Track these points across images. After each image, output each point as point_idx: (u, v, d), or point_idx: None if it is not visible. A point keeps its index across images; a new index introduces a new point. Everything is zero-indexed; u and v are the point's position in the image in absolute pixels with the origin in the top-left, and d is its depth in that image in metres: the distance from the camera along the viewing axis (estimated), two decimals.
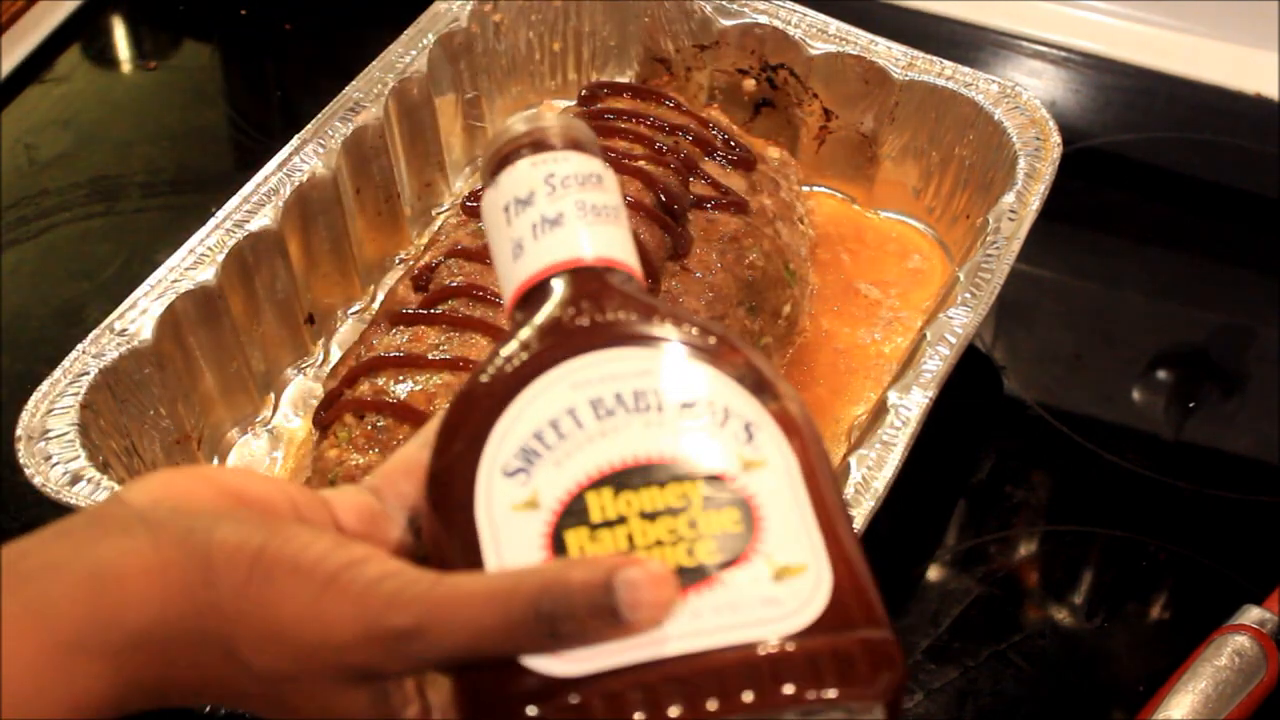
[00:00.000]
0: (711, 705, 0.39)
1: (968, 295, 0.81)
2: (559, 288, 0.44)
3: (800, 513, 0.41)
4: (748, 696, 0.39)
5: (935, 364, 0.78)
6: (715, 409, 0.42)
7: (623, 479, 0.41)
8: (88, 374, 0.77)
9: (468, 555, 0.41)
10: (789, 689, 0.39)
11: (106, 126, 1.13)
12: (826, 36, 0.97)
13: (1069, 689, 0.81)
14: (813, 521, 0.41)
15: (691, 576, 0.40)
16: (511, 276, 0.45)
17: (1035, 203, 0.86)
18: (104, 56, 1.21)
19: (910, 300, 0.95)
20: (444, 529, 0.42)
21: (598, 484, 0.41)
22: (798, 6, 0.98)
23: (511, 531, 0.41)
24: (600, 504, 0.41)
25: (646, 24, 1.03)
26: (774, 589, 0.40)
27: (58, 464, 0.73)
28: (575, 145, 0.46)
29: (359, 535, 0.44)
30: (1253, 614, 0.79)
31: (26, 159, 1.10)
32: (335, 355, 0.92)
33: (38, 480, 0.72)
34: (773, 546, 0.40)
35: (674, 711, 0.39)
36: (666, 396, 0.42)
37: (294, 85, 1.16)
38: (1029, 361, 0.98)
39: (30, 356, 0.94)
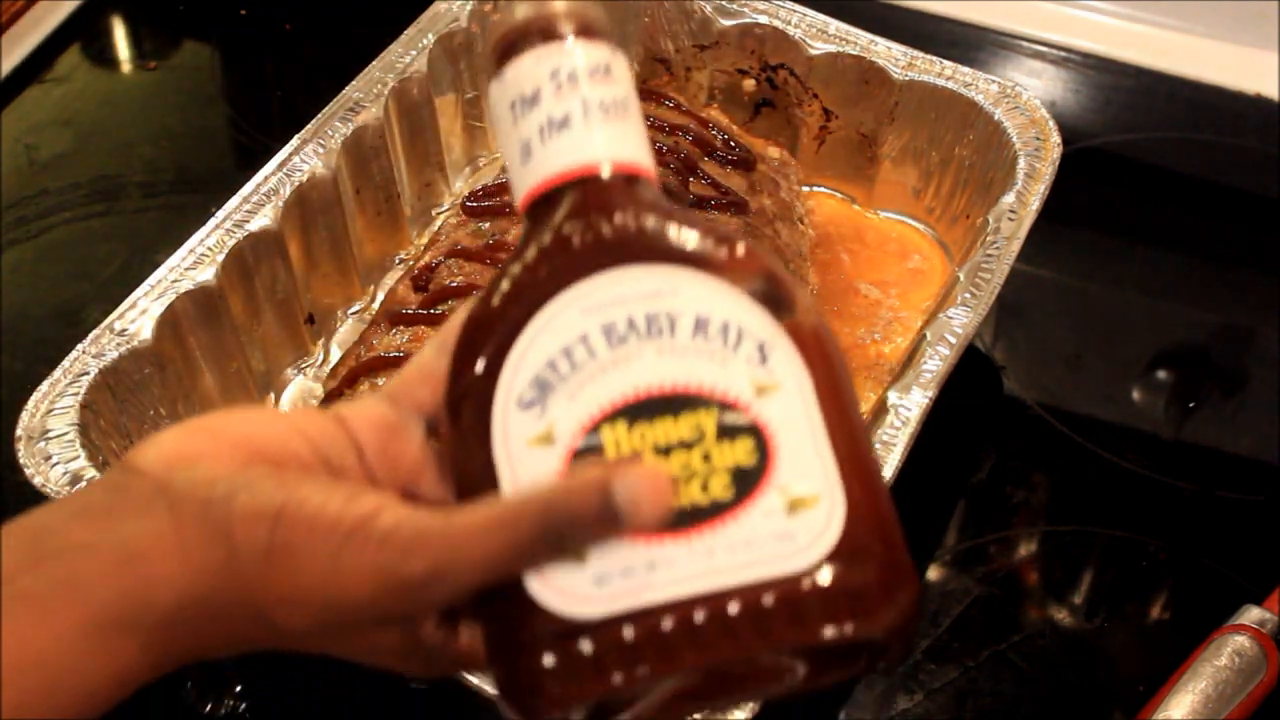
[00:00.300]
0: (721, 649, 0.39)
1: (968, 295, 0.81)
2: (568, 198, 0.43)
3: (814, 438, 0.41)
4: (757, 639, 0.39)
5: (935, 364, 0.78)
6: (728, 329, 0.42)
7: (636, 410, 0.41)
8: (88, 374, 0.77)
9: (487, 484, 0.41)
10: (800, 629, 0.39)
11: (106, 126, 1.13)
12: (826, 36, 0.97)
13: (1069, 689, 0.81)
14: (826, 447, 0.41)
15: (705, 514, 0.40)
16: (520, 181, 0.45)
17: (1035, 203, 0.86)
18: (104, 56, 1.21)
19: (910, 300, 0.95)
20: (463, 455, 0.43)
21: (612, 417, 0.41)
22: (798, 6, 0.98)
23: (529, 467, 0.41)
24: (615, 438, 0.41)
25: (646, 24, 1.03)
26: (787, 523, 0.40)
27: (58, 464, 0.73)
28: (583, 31, 0.44)
29: (376, 447, 0.45)
30: (1253, 614, 0.79)
31: (26, 159, 1.10)
32: (335, 355, 0.92)
33: (38, 480, 0.72)
34: (786, 478, 0.40)
35: (685, 655, 0.39)
36: (678, 319, 0.42)
37: (294, 85, 1.16)
38: (1029, 361, 0.98)
39: (30, 356, 0.94)
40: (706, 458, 0.40)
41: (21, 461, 0.73)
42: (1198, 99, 1.15)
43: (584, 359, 0.41)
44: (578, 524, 0.39)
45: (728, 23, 0.99)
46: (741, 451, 0.41)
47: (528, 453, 0.41)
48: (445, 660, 0.45)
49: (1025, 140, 0.90)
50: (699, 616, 0.39)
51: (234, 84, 1.19)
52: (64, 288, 1.00)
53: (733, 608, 0.39)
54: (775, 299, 0.42)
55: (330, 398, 0.83)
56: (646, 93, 0.98)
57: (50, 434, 0.74)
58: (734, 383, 0.41)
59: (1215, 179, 1.11)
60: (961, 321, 0.80)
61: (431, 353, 0.46)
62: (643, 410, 0.41)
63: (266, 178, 0.87)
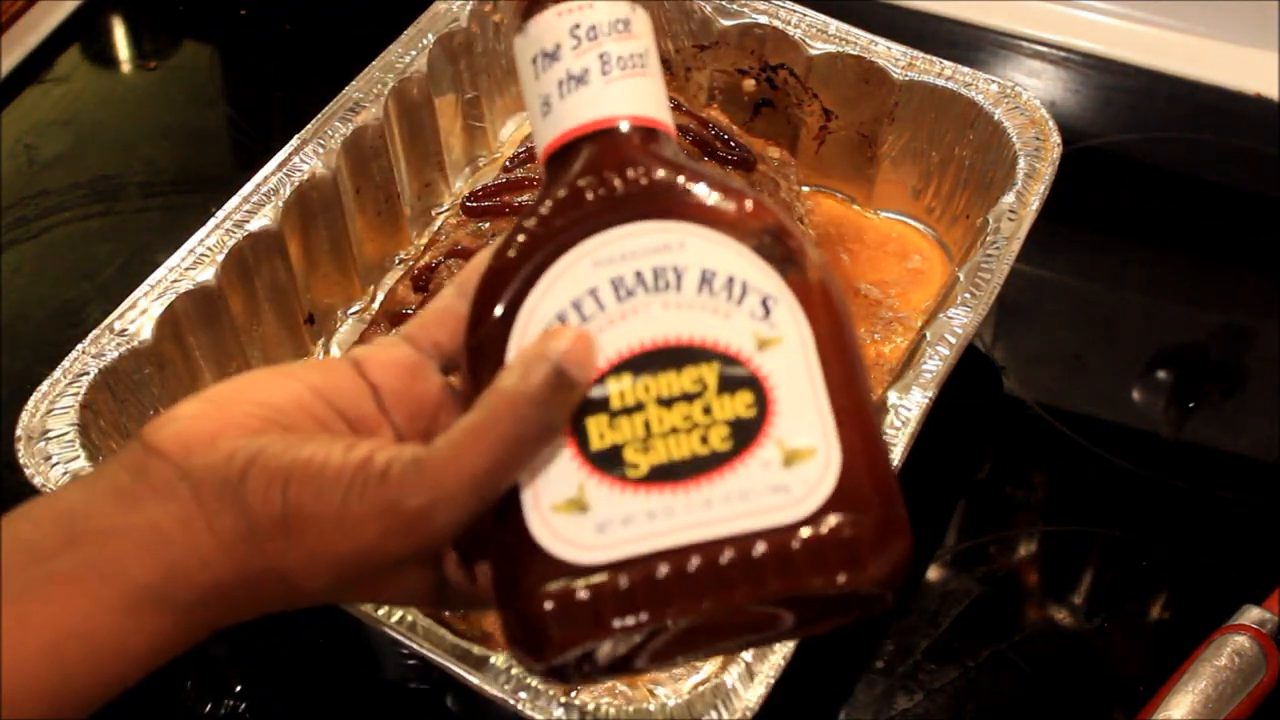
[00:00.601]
0: (715, 597, 0.40)
1: (968, 295, 0.81)
2: (584, 152, 0.44)
3: (813, 392, 0.42)
4: (749, 590, 0.40)
5: (935, 364, 0.78)
6: (733, 284, 0.42)
7: (641, 363, 0.42)
8: (88, 374, 0.77)
9: None
10: (792, 580, 0.40)
11: (106, 126, 1.13)
12: (826, 36, 0.97)
13: (1069, 689, 0.81)
14: (825, 401, 0.42)
15: (705, 465, 0.41)
16: (541, 134, 0.46)
17: (1035, 203, 0.86)
18: (104, 56, 1.21)
19: (910, 300, 0.95)
20: None
21: (617, 368, 0.42)
22: (798, 6, 0.98)
23: None
24: (620, 390, 0.42)
25: None
26: (783, 475, 0.41)
27: (58, 464, 0.73)
28: None
29: (395, 389, 0.46)
30: (1253, 614, 0.79)
31: (26, 159, 1.10)
32: (335, 355, 0.92)
33: (38, 480, 0.72)
34: (784, 431, 0.41)
35: (680, 604, 0.40)
36: (684, 273, 0.42)
37: (294, 85, 1.16)
38: (1029, 361, 0.98)
39: (30, 356, 0.94)
40: (707, 410, 0.42)
41: (21, 461, 0.73)
42: (1198, 99, 1.15)
43: (593, 311, 0.42)
44: (539, 399, 0.41)
45: (728, 23, 0.99)
46: (741, 404, 0.42)
47: None
48: (470, 598, 0.46)
49: (1025, 140, 0.90)
50: (694, 565, 0.40)
51: (234, 84, 1.19)
52: (64, 288, 1.00)
53: (727, 557, 0.40)
54: (781, 253, 0.43)
55: None
56: None
57: (50, 434, 0.74)
58: (736, 336, 0.42)
59: (1215, 179, 1.11)
60: (961, 321, 0.80)
61: (451, 294, 0.47)
62: (647, 363, 0.42)
63: (266, 178, 0.87)
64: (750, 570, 0.40)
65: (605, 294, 0.42)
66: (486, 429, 0.41)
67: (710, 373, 0.42)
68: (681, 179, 0.44)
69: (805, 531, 0.41)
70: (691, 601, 0.40)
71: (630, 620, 0.40)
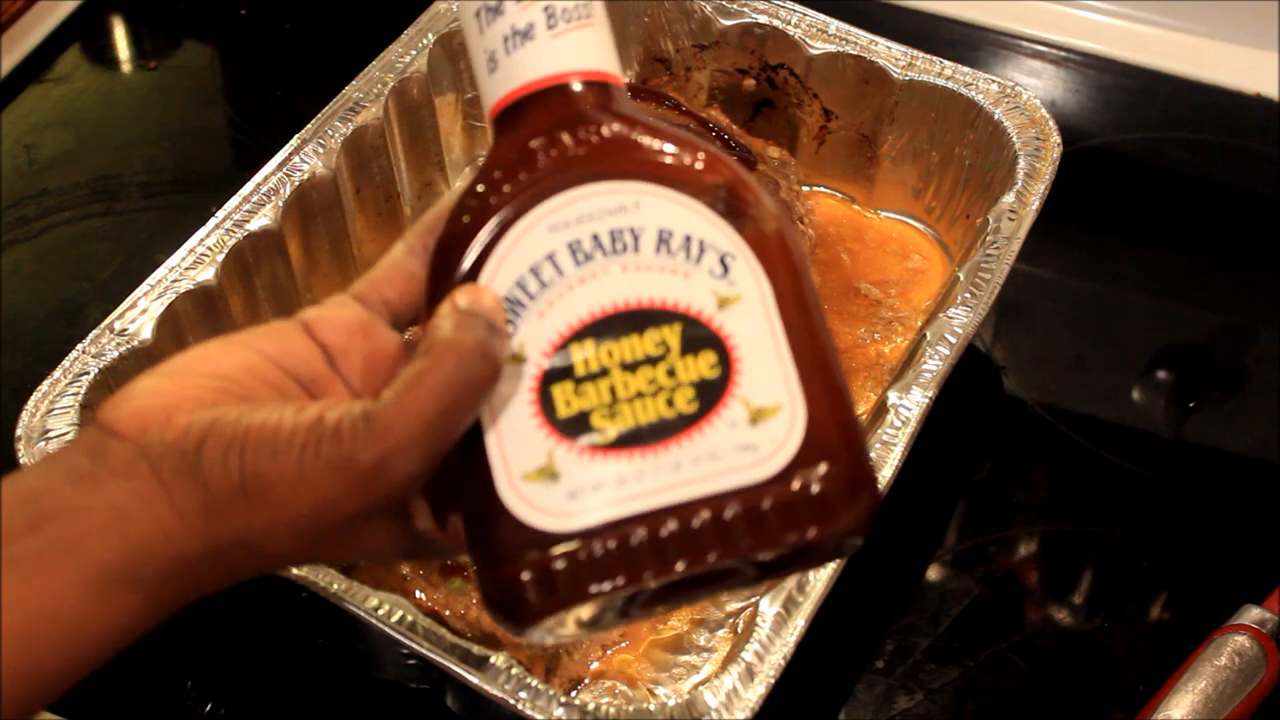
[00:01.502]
0: (688, 558, 0.41)
1: (968, 295, 0.81)
2: (533, 111, 0.44)
3: (776, 347, 0.42)
4: (723, 550, 0.41)
5: (935, 364, 0.78)
6: (690, 243, 0.42)
7: (603, 327, 0.42)
8: (88, 374, 0.77)
9: None
10: (764, 538, 0.41)
11: (106, 126, 1.13)
12: (826, 36, 0.97)
13: (1069, 689, 0.81)
14: (788, 355, 0.42)
15: (672, 428, 0.41)
16: (487, 92, 0.45)
17: (1035, 203, 0.86)
18: (104, 56, 1.21)
19: (910, 300, 0.95)
20: None
21: (579, 334, 0.42)
22: (798, 6, 0.98)
23: (502, 386, 0.42)
24: (583, 356, 0.42)
25: (646, 24, 1.03)
26: (751, 434, 0.41)
27: None
28: None
29: (347, 349, 0.46)
30: (1253, 614, 0.79)
31: (26, 159, 1.10)
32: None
33: None
34: (749, 389, 0.42)
35: (654, 567, 0.41)
36: (641, 235, 0.42)
37: (294, 85, 1.16)
38: (1029, 361, 0.98)
39: (30, 356, 0.94)
40: (671, 373, 0.42)
41: (22, 461, 0.73)
42: (1198, 99, 1.15)
43: (552, 277, 0.42)
44: (465, 347, 0.41)
45: (728, 23, 0.99)
46: (705, 365, 0.42)
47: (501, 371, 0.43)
48: (441, 548, 0.47)
49: (1025, 140, 0.90)
50: (668, 529, 0.41)
51: (234, 84, 1.19)
52: (64, 288, 1.00)
53: (700, 520, 0.41)
54: (736, 208, 0.43)
55: None
56: (646, 93, 0.98)
57: (50, 434, 0.74)
58: (697, 296, 0.42)
59: (1215, 179, 1.11)
60: (961, 321, 0.80)
61: (401, 252, 0.47)
62: (609, 327, 0.42)
63: (266, 178, 0.87)
64: (723, 531, 0.41)
65: (563, 259, 0.42)
66: (428, 375, 0.41)
67: (672, 335, 0.42)
68: (634, 134, 0.44)
69: (774, 490, 0.41)
70: (666, 565, 0.41)
71: (606, 586, 0.41)
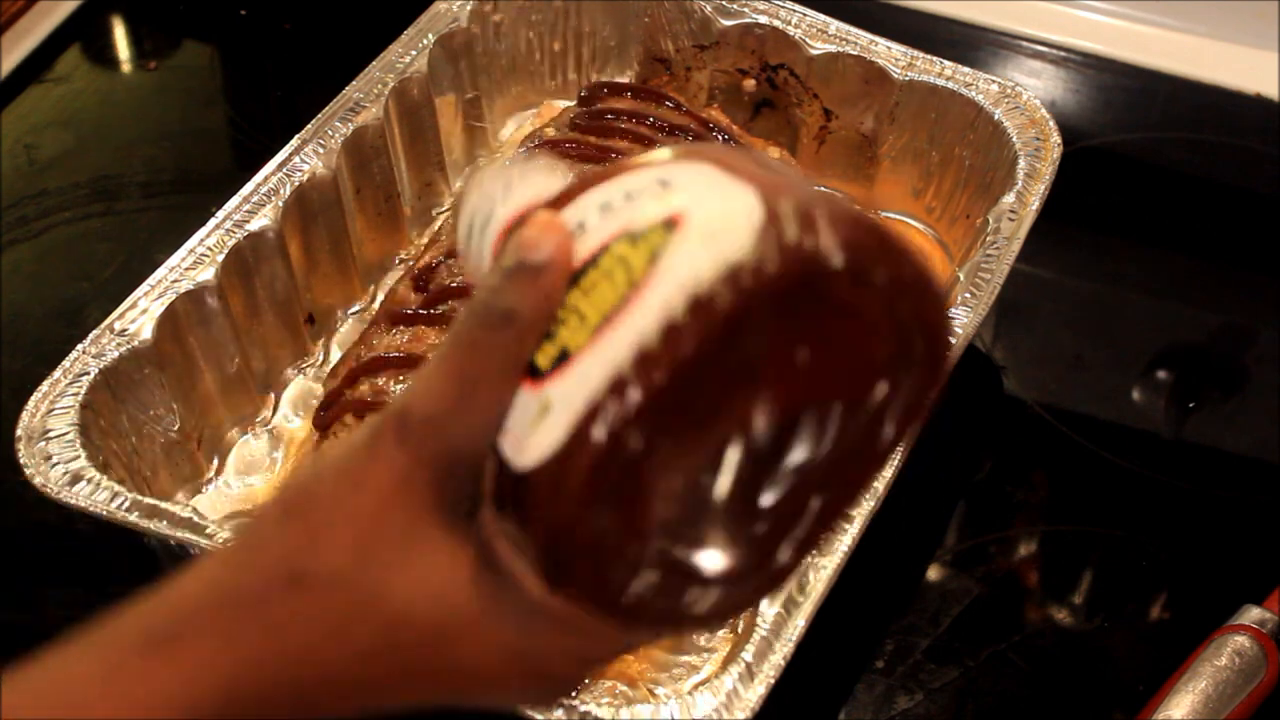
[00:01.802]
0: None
1: (968, 295, 0.81)
2: None
3: (723, 182, 0.40)
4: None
5: None
6: (631, 194, 0.41)
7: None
8: (88, 374, 0.77)
9: None
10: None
11: (106, 126, 1.13)
12: (826, 36, 0.97)
13: (1069, 689, 0.81)
14: (738, 181, 0.40)
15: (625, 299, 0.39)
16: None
17: (1035, 203, 0.86)
18: (104, 56, 1.21)
19: None
20: None
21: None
22: (798, 6, 0.98)
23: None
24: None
25: (646, 24, 1.03)
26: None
27: (58, 464, 0.73)
28: None
29: None
30: (1253, 614, 0.79)
31: (26, 159, 1.10)
32: (335, 355, 0.92)
33: (38, 480, 0.72)
34: (701, 217, 0.39)
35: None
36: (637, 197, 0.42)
37: (294, 85, 1.16)
38: (1029, 361, 0.98)
39: (30, 356, 0.94)
40: (624, 260, 0.40)
41: (21, 461, 0.73)
42: (1198, 99, 1.15)
43: None
44: (509, 298, 0.40)
45: (728, 23, 0.99)
46: (656, 237, 0.40)
47: None
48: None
49: (1025, 140, 0.90)
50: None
51: (234, 84, 1.19)
52: (64, 288, 1.00)
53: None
54: (665, 182, 0.42)
55: (330, 398, 0.83)
56: (647, 93, 0.98)
57: (50, 434, 0.74)
58: (642, 215, 0.40)
59: (1215, 179, 1.11)
60: (961, 321, 0.80)
61: None
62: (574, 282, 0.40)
63: (266, 178, 0.87)
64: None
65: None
66: (450, 354, 0.40)
67: (619, 246, 0.40)
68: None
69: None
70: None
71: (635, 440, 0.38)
